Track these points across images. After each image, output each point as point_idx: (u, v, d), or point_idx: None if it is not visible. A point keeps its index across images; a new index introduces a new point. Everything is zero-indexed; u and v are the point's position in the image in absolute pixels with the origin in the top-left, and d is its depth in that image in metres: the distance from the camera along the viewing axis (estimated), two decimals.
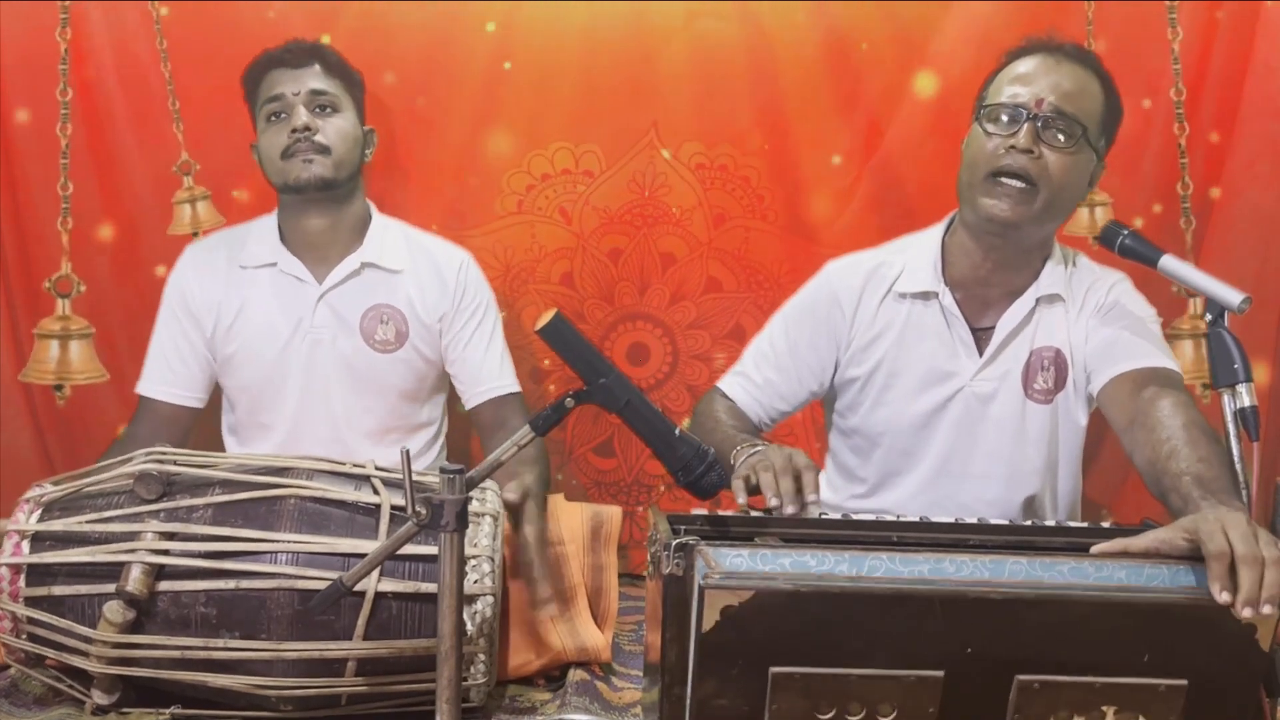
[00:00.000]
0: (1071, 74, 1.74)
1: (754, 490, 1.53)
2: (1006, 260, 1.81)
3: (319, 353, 2.07)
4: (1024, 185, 1.71)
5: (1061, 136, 1.71)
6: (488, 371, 2.13)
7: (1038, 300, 1.83)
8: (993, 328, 1.84)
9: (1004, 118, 1.73)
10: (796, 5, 2.29)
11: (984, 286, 1.84)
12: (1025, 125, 1.70)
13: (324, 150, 2.00)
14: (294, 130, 1.99)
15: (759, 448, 1.66)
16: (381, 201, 2.23)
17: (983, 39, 2.19)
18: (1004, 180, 1.71)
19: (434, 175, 2.35)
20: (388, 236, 2.12)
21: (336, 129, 2.03)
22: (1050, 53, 1.77)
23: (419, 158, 2.34)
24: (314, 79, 2.03)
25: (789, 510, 1.48)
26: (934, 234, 1.89)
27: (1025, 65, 1.77)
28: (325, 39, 2.22)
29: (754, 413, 1.94)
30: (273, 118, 2.03)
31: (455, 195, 2.35)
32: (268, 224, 2.11)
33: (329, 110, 2.03)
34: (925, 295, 1.86)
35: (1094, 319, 1.82)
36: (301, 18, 2.25)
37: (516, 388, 2.15)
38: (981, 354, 1.85)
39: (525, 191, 2.36)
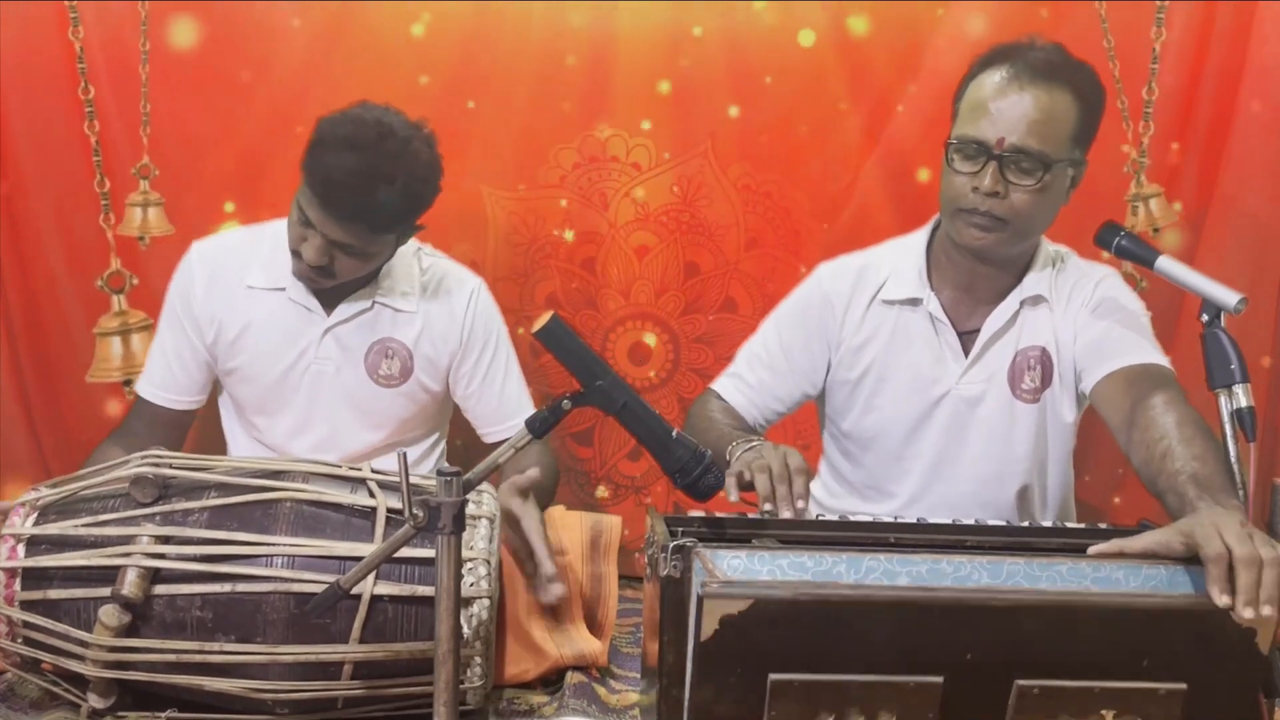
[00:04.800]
0: (1037, 100, 1.68)
1: (746, 487, 1.53)
2: (990, 266, 1.82)
3: (321, 383, 2.01)
4: (992, 220, 1.72)
5: (1026, 177, 1.69)
6: (505, 409, 2.07)
7: (1021, 303, 1.83)
8: (979, 330, 1.85)
9: (968, 156, 1.72)
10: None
11: (969, 291, 1.85)
12: (989, 166, 1.69)
13: (331, 276, 1.89)
14: (306, 262, 1.86)
15: (754, 444, 1.66)
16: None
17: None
18: (974, 216, 1.72)
19: (488, 133, 2.31)
20: (401, 270, 2.01)
21: (353, 267, 1.90)
22: (1016, 70, 1.70)
23: (471, 116, 2.31)
24: (345, 235, 1.83)
25: (784, 515, 1.48)
26: (919, 239, 1.89)
27: (990, 87, 1.71)
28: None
29: (749, 414, 1.95)
30: (296, 224, 1.86)
31: (500, 156, 2.33)
32: (280, 243, 1.96)
33: (354, 254, 1.87)
34: (912, 302, 1.86)
35: (1081, 316, 1.81)
36: None
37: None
38: (968, 357, 1.85)
39: (570, 168, 2.34)
